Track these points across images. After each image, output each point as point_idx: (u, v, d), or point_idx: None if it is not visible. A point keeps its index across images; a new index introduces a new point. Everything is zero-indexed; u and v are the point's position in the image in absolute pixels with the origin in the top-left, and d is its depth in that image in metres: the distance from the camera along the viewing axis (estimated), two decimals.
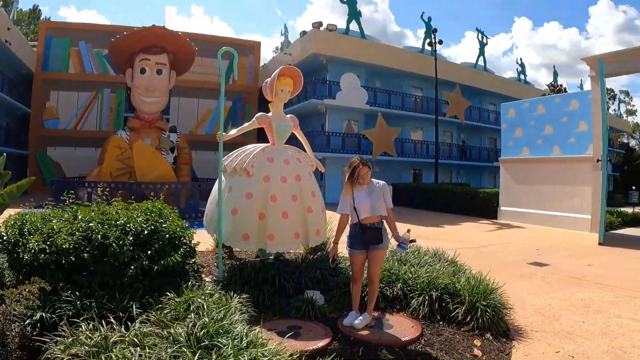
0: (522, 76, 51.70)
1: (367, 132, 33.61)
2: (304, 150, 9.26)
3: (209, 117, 37.22)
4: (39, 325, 4.97)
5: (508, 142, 23.40)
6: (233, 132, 8.54)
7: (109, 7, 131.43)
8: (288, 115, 9.21)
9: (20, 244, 6.09)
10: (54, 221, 6.41)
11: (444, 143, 39.21)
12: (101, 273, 5.78)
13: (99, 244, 5.83)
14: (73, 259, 5.71)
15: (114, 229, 6.08)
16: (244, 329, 4.67)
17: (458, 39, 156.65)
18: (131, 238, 6.06)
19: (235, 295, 5.85)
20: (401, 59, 36.72)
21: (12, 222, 6.64)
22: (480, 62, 45.54)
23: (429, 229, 18.26)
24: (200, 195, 20.69)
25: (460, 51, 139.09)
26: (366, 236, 6.12)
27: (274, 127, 8.71)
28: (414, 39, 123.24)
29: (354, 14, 35.62)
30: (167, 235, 6.45)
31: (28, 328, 4.96)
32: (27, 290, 5.10)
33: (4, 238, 6.32)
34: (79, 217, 6.43)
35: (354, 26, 35.53)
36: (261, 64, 43.33)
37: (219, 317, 4.89)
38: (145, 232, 6.26)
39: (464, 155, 40.84)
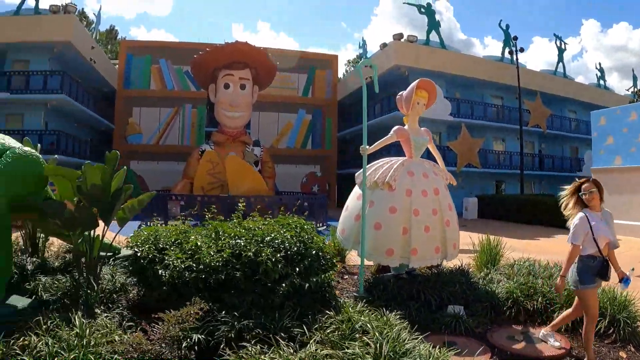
0: (601, 82, 49.95)
1: (451, 143, 32.83)
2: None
3: (289, 130, 37.26)
4: (196, 348, 4.78)
5: (599, 150, 22.55)
6: (373, 146, 8.38)
7: (177, 26, 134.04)
8: (422, 129, 8.97)
9: (157, 260, 6.09)
10: (192, 237, 6.49)
11: (526, 154, 37.85)
12: (252, 292, 5.59)
13: (250, 262, 5.70)
14: (222, 277, 5.60)
15: (264, 245, 5.91)
16: (427, 348, 4.48)
17: (525, 45, 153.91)
18: (282, 255, 5.88)
19: (387, 312, 5.55)
20: (481, 68, 35.78)
21: (144, 238, 6.75)
22: (559, 69, 44.20)
23: (525, 242, 17.56)
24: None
25: (529, 57, 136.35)
26: (605, 270, 5.47)
27: (412, 141, 8.56)
28: (481, 46, 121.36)
29: (433, 25, 35.08)
30: (313, 251, 6.27)
31: (184, 351, 4.76)
32: (191, 312, 5.00)
33: (138, 254, 6.39)
34: (219, 232, 6.49)
35: (432, 36, 35.00)
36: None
37: (393, 337, 4.61)
38: (295, 248, 6.10)
39: (541, 164, 39.65)
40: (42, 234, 8.63)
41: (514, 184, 36.00)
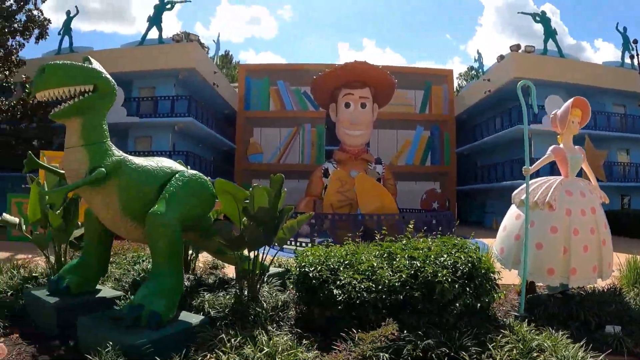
0: None
1: None
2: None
3: (408, 147, 37.03)
4: None
5: None
6: (533, 166, 8.24)
7: (284, 48, 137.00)
8: (576, 147, 8.85)
9: (330, 280, 6.32)
10: (363, 257, 6.79)
11: None
12: (428, 312, 5.76)
13: (426, 282, 5.84)
14: (401, 297, 5.78)
15: (438, 266, 6.05)
16: None
17: None
18: (457, 275, 6.02)
19: (553, 331, 5.62)
20: (601, 75, 34.00)
21: (313, 259, 6.95)
22: None
23: None
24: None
25: None
26: None
27: (569, 159, 8.42)
28: (592, 50, 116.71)
29: (550, 33, 33.91)
30: (482, 271, 6.34)
31: None
32: (387, 332, 5.13)
33: (310, 274, 6.57)
34: (391, 253, 6.79)
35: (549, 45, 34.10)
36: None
37: (571, 355, 4.74)
38: (466, 268, 6.19)
39: None
40: (191, 252, 9.27)
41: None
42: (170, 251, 5.94)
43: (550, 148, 8.60)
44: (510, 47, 32.85)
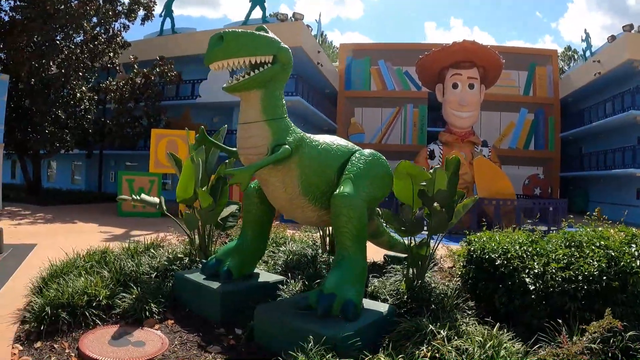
0: None
1: None
2: None
3: (511, 130, 36.17)
4: None
5: None
6: None
7: (370, 28, 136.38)
8: None
9: (520, 269, 6.15)
10: (549, 247, 6.56)
11: None
12: (621, 303, 5.46)
13: (622, 272, 5.60)
14: (599, 287, 5.52)
15: (631, 255, 5.76)
16: None
17: None
18: None
19: None
20: None
21: (494, 245, 6.88)
22: None
23: None
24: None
25: None
26: None
27: None
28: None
29: None
30: None
31: None
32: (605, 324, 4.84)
33: (498, 262, 6.48)
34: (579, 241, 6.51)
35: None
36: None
37: None
38: None
39: None
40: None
41: None
42: (359, 234, 5.74)
43: None
44: (623, 27, 31.21)
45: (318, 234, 9.68)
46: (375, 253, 8.59)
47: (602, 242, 6.20)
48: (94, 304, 6.22)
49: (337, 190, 5.84)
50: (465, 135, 26.18)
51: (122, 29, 29.64)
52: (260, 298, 6.22)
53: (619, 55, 30.22)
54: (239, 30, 5.56)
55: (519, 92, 36.72)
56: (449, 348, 4.56)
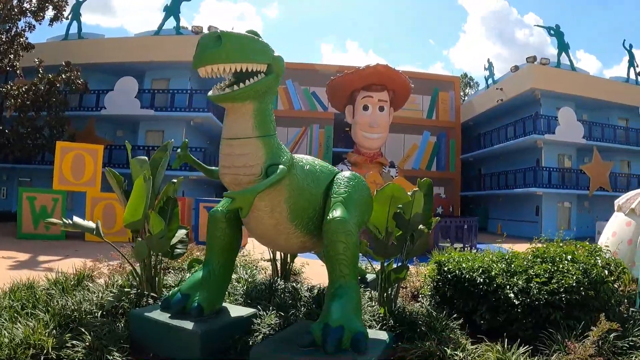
0: None
1: (584, 167, 33.13)
2: None
3: (414, 152, 36.96)
4: None
5: None
6: None
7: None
8: None
9: (503, 285, 6.39)
10: (523, 262, 6.90)
11: None
12: (595, 309, 6.15)
13: (594, 282, 6.29)
14: (578, 297, 6.04)
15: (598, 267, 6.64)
16: None
17: (619, 58, 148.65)
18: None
19: None
20: (608, 89, 35.40)
21: (472, 265, 7.00)
22: None
23: None
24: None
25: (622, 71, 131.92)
26: None
27: None
28: (574, 61, 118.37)
29: (563, 46, 35.21)
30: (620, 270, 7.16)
31: None
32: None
33: (479, 280, 6.65)
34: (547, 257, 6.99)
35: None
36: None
37: None
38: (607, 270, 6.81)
39: None
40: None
41: None
42: (354, 261, 5.40)
43: None
44: (526, 58, 33.82)
45: (261, 257, 9.51)
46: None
47: (570, 257, 6.73)
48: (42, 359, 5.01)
49: (331, 215, 5.43)
50: (374, 156, 26.62)
51: (27, 28, 27.24)
52: (236, 335, 5.71)
53: (522, 84, 32.41)
54: (236, 32, 4.96)
55: (422, 116, 37.77)
56: None
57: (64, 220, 7.02)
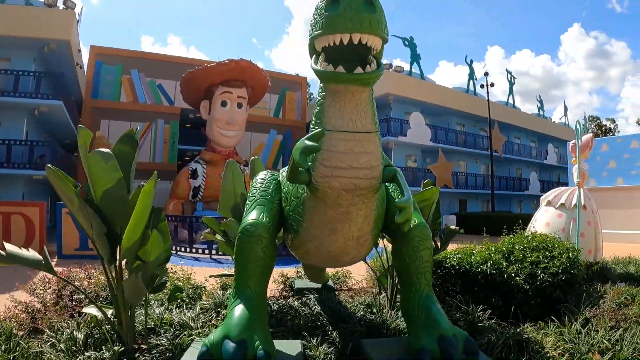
0: (541, 111, 53.16)
1: (431, 166, 37.00)
2: None
3: (261, 150, 36.40)
4: None
5: (602, 173, 26.94)
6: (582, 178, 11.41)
7: (87, 31, 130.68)
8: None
9: (513, 274, 7.13)
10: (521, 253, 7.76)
11: (482, 175, 42.82)
12: (578, 285, 7.84)
13: (565, 267, 7.36)
14: (564, 277, 7.17)
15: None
16: None
17: (432, 67, 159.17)
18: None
19: None
20: (450, 97, 38.71)
21: (478, 258, 7.41)
22: (499, 98, 48.45)
23: None
24: None
25: (437, 79, 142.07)
26: None
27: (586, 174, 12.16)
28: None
29: (415, 57, 38.52)
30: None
31: None
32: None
33: (489, 271, 7.06)
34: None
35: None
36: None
37: None
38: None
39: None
40: None
41: (474, 202, 42.04)
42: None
43: (585, 166, 11.60)
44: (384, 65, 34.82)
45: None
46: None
47: (550, 244, 8.02)
48: None
49: (417, 221, 4.85)
50: (230, 154, 26.01)
51: None
52: None
53: (380, 89, 33.62)
54: None
55: (269, 114, 37.38)
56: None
57: None
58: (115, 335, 5.11)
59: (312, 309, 6.67)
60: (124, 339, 4.99)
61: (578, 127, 11.35)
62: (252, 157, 7.60)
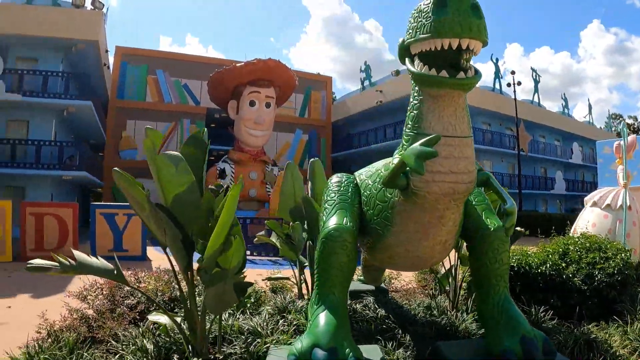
0: (565, 110, 52.52)
1: None
2: None
3: (287, 150, 36.49)
4: None
5: (605, 174, 24.77)
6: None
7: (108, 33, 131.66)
8: None
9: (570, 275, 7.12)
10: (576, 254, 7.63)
11: (507, 174, 41.76)
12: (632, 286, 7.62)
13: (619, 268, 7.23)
14: (619, 278, 7.08)
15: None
16: None
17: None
18: None
19: None
20: (476, 96, 37.61)
21: (536, 260, 7.43)
22: (533, 98, 48.16)
23: None
24: None
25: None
26: None
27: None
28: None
29: None
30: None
31: None
32: None
33: (548, 273, 7.13)
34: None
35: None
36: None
37: None
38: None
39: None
40: None
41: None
42: None
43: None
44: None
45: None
46: None
47: (603, 246, 7.83)
48: None
49: (493, 225, 4.81)
50: (258, 154, 25.97)
51: None
52: None
53: (403, 89, 32.85)
54: None
55: (295, 114, 37.38)
56: None
57: (62, 260, 4.23)
58: (186, 345, 4.84)
59: (376, 312, 6.53)
60: (198, 349, 4.73)
61: (625, 129, 11.57)
62: (312, 159, 7.75)
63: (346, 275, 4.69)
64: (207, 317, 4.97)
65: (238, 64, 25.41)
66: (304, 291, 7.70)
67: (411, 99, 4.32)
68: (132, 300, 6.81)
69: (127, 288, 6.91)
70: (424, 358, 5.05)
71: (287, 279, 8.06)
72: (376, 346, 4.94)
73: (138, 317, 6.29)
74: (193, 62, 33.63)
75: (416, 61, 4.04)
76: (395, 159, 4.37)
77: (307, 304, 6.31)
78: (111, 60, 33.75)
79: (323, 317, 4.45)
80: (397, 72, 35.84)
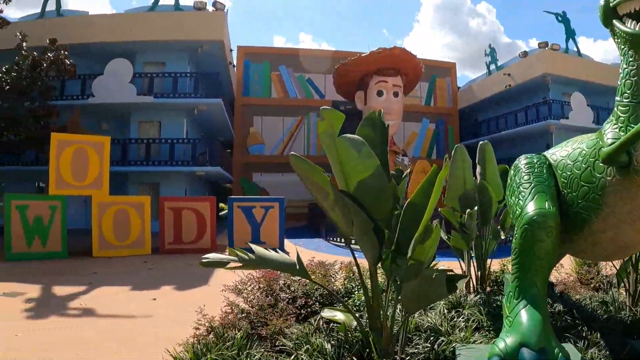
0: None
1: None
2: None
3: (414, 139, 35.83)
4: None
5: None
6: None
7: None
8: None
9: None
10: None
11: None
12: None
13: None
14: None
15: None
16: None
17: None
18: None
19: None
20: (611, 74, 34.98)
21: None
22: None
23: None
24: None
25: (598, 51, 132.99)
26: None
27: None
28: (527, 49, 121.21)
29: (570, 32, 34.79)
30: None
31: None
32: None
33: None
34: None
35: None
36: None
37: None
38: None
39: None
40: None
41: None
42: None
43: None
44: (538, 44, 33.60)
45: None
46: None
47: None
48: None
49: None
50: (388, 145, 25.28)
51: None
52: None
53: (533, 70, 31.63)
54: None
55: (421, 103, 36.62)
56: None
57: (239, 253, 4.09)
58: (372, 345, 4.35)
59: (554, 307, 6.03)
60: (383, 349, 4.27)
61: None
62: (482, 142, 7.56)
63: (549, 265, 4.33)
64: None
65: (363, 54, 25.02)
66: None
67: (624, 65, 3.90)
68: (288, 294, 6.43)
69: (281, 281, 6.60)
70: (620, 358, 4.60)
71: (451, 271, 7.47)
72: (571, 345, 4.51)
73: (300, 313, 6.01)
74: (313, 57, 33.49)
75: (629, 21, 3.68)
76: (608, 133, 3.93)
77: (479, 298, 5.94)
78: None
79: (527, 314, 4.00)
80: (525, 54, 34.53)
